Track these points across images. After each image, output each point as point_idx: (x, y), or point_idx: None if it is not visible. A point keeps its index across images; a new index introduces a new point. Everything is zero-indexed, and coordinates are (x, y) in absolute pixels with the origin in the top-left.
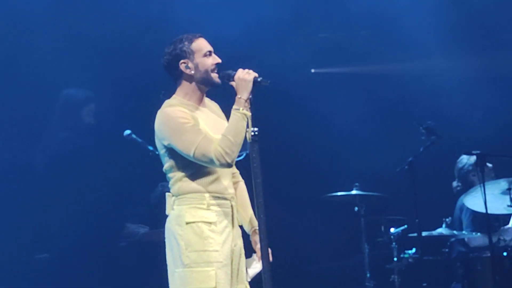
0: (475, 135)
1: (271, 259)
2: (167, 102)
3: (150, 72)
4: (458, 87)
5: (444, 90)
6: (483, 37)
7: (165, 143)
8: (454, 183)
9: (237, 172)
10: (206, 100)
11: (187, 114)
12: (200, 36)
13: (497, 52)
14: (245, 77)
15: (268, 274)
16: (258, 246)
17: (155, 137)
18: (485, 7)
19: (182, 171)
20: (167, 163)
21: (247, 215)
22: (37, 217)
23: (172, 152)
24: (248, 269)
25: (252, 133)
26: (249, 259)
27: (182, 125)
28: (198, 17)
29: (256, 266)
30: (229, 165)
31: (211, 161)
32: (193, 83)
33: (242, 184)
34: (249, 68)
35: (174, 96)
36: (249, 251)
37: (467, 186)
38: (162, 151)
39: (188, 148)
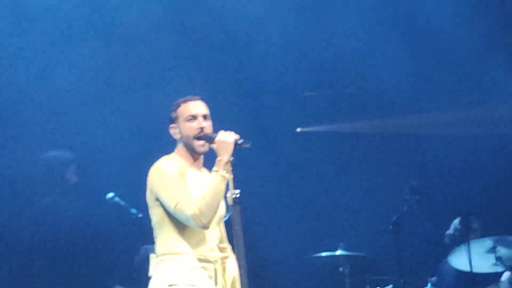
0: (460, 194)
1: None
2: (164, 156)
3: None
4: (444, 145)
5: (429, 148)
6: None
7: (154, 193)
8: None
9: (228, 247)
10: (204, 169)
11: (178, 170)
12: (191, 100)
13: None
14: (225, 139)
15: None
16: None
17: (147, 189)
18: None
19: (168, 229)
20: (155, 218)
21: None
22: None
23: (160, 207)
24: None
25: (234, 196)
26: None
27: (171, 178)
28: None
29: None
30: (204, 226)
31: (188, 220)
32: (185, 147)
33: (232, 261)
34: (231, 130)
35: (173, 153)
36: None
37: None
38: (151, 204)
39: (170, 201)
